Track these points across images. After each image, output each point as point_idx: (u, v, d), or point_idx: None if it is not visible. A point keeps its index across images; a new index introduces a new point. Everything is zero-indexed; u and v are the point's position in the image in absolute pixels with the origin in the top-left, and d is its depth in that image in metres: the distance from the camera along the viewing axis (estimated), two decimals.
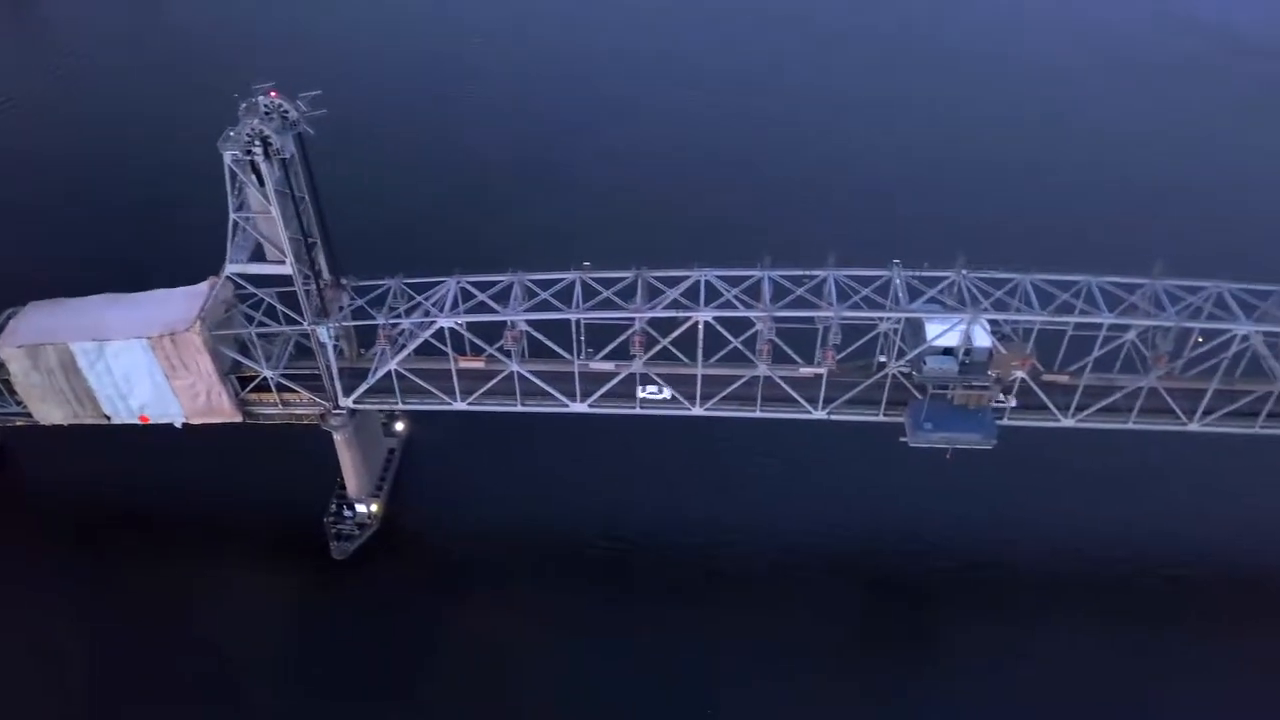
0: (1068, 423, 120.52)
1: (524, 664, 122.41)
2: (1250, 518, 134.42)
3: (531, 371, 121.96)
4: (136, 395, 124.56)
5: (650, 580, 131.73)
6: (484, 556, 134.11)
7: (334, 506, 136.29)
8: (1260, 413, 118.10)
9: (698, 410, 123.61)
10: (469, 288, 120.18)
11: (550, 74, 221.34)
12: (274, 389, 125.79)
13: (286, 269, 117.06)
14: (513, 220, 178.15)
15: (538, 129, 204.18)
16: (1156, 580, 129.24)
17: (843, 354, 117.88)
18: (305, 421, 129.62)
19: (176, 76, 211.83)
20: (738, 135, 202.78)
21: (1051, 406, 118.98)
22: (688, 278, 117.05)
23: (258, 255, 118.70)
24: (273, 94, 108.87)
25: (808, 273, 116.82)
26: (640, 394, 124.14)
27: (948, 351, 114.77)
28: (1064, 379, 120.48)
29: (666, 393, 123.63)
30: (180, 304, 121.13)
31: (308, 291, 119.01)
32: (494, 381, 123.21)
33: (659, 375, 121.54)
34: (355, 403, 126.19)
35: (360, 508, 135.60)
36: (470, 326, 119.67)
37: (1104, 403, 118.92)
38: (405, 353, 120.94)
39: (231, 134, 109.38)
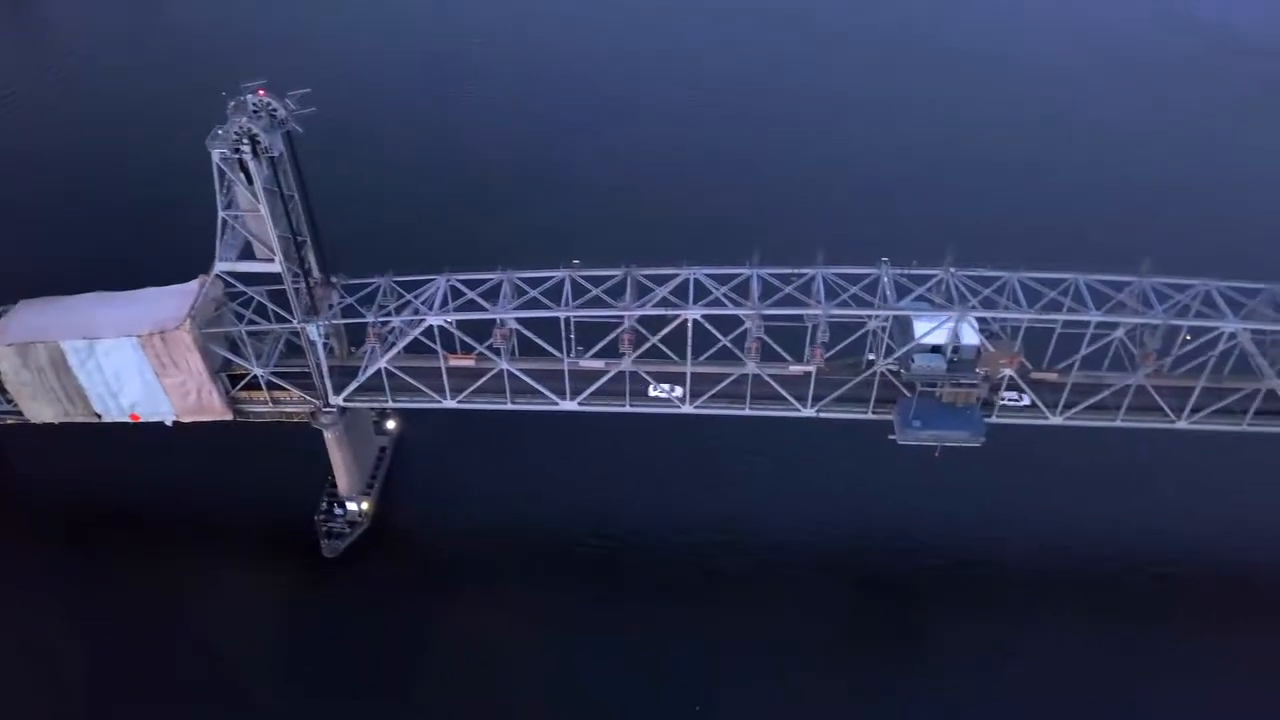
0: (1056, 420, 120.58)
1: (514, 661, 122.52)
2: (1238, 515, 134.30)
3: (521, 369, 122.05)
4: (127, 393, 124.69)
5: (640, 578, 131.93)
6: (475, 554, 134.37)
7: (325, 504, 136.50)
8: (1248, 410, 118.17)
9: (687, 408, 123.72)
10: (459, 286, 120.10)
11: (546, 73, 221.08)
12: (264, 387, 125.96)
13: (275, 267, 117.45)
14: (507, 220, 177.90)
15: (533, 128, 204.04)
16: (1145, 578, 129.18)
17: (831, 352, 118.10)
18: (296, 419, 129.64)
19: (172, 76, 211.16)
20: (733, 135, 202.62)
21: (1040, 404, 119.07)
22: (677, 276, 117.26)
23: (247, 253, 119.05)
24: (261, 92, 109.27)
25: (796, 271, 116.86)
26: (653, 393, 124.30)
27: (936, 349, 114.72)
28: (1053, 377, 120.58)
29: (679, 392, 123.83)
30: (170, 302, 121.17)
31: (297, 290, 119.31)
32: (484, 379, 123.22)
33: (649, 373, 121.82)
34: (345, 401, 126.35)
35: (351, 505, 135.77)
36: (460, 324, 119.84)
37: (1092, 400, 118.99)
38: (395, 351, 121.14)
39: (219, 132, 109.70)
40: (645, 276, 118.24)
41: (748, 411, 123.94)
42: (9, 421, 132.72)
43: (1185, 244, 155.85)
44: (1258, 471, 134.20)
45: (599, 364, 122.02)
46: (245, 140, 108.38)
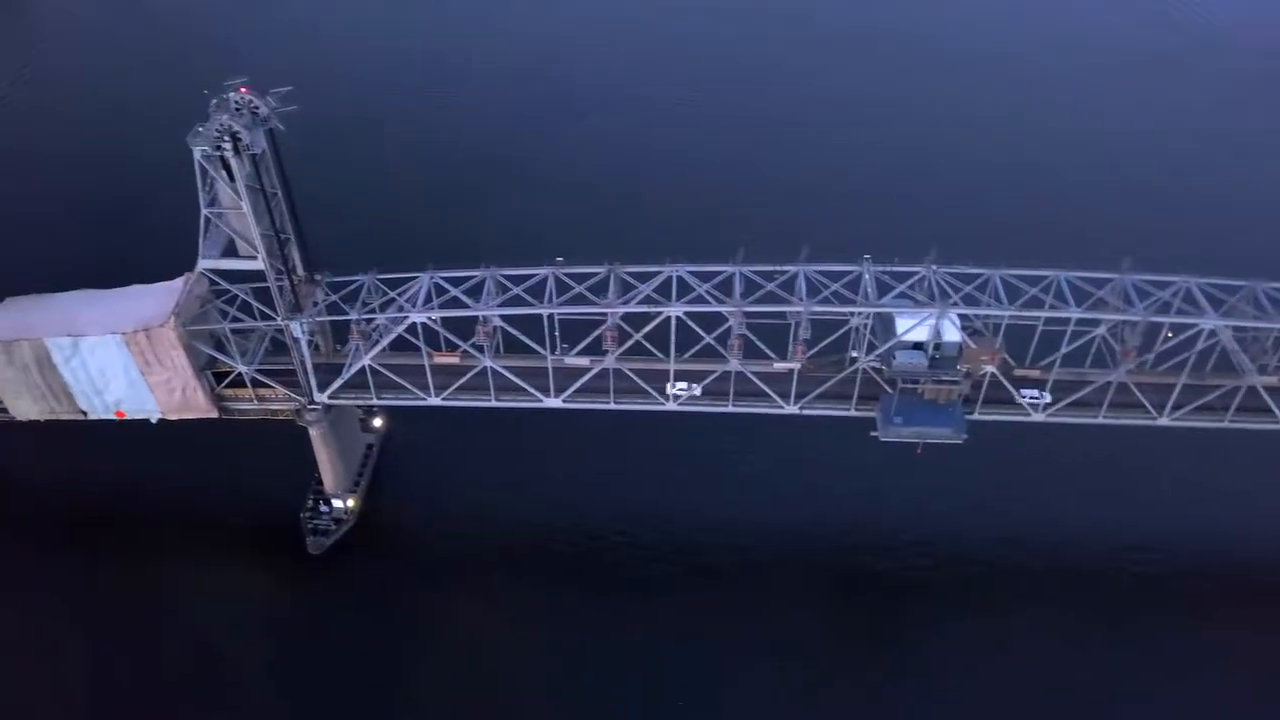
0: (1038, 417, 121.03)
1: (499, 658, 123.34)
2: (1222, 511, 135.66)
3: (505, 367, 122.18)
4: (112, 391, 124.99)
5: (627, 576, 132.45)
6: (462, 552, 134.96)
7: (311, 502, 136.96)
8: (1229, 407, 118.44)
9: (671, 405, 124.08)
10: (442, 283, 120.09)
11: (531, 71, 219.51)
12: (249, 384, 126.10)
13: (259, 264, 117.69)
14: (491, 217, 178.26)
15: (517, 125, 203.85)
16: (1135, 576, 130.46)
17: (815, 349, 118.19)
18: (281, 417, 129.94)
19: (157, 72, 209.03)
20: (718, 132, 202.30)
21: (1022, 401, 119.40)
22: (660, 273, 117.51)
23: (231, 251, 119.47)
24: (243, 90, 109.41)
25: (779, 268, 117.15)
26: (670, 390, 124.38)
27: (917, 346, 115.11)
28: (1035, 374, 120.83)
29: (696, 390, 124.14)
30: (155, 300, 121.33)
31: (281, 287, 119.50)
32: (467, 377, 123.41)
33: (632, 371, 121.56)
34: (330, 398, 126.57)
35: (337, 503, 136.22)
36: (445, 322, 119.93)
37: (1074, 397, 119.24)
38: (378, 348, 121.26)
39: (201, 130, 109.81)
40: (629, 274, 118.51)
41: (731, 408, 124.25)
42: None
43: (1166, 241, 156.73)
44: (1239, 468, 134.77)
45: (583, 361, 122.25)
46: (227, 138, 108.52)
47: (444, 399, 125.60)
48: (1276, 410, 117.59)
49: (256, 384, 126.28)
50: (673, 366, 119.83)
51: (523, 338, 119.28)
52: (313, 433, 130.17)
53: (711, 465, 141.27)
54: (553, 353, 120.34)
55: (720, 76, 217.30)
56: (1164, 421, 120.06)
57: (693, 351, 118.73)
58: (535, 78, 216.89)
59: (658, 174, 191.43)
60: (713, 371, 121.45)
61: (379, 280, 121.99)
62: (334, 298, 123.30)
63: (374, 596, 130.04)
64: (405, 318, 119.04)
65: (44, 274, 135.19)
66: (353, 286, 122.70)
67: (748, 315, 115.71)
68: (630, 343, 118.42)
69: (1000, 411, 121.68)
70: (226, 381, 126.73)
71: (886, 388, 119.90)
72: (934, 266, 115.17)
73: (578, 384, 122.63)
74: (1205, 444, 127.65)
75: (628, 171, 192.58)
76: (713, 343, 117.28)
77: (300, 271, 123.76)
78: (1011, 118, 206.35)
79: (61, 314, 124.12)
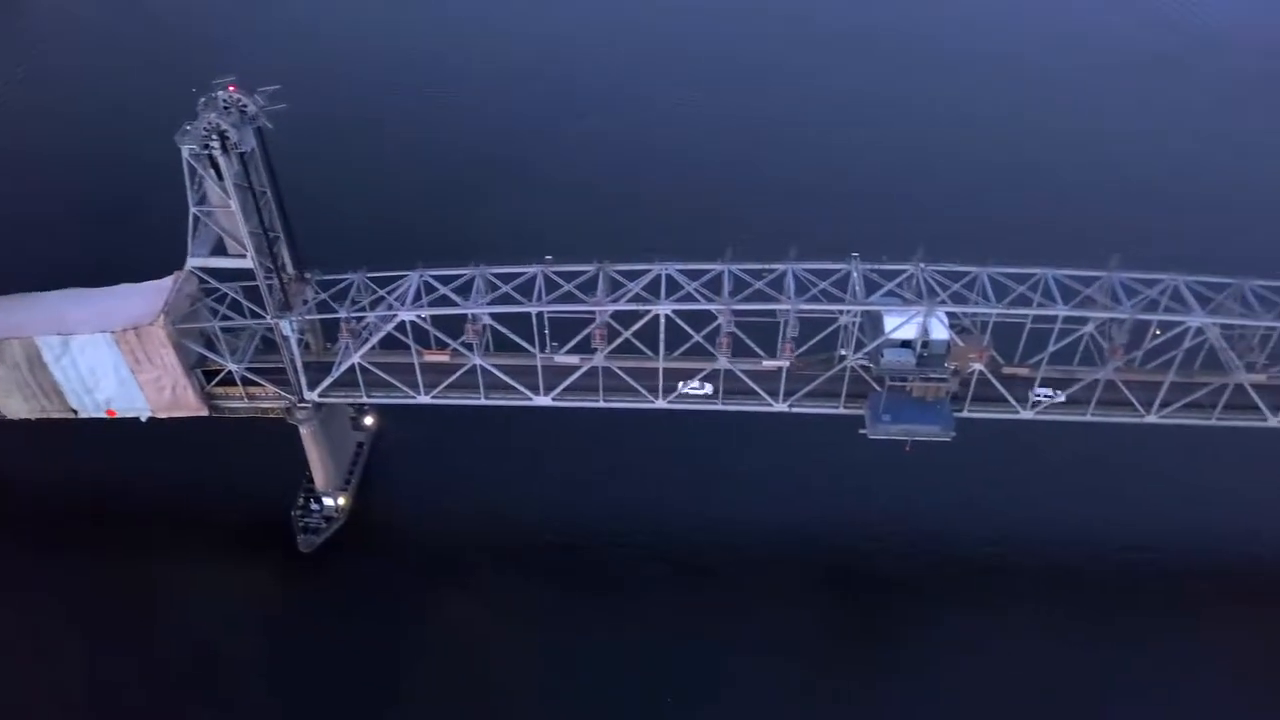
0: (1027, 415, 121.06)
1: (490, 657, 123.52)
2: (1210, 509, 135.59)
3: (495, 365, 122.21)
4: (102, 389, 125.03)
5: (620, 574, 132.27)
6: (453, 550, 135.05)
7: (301, 500, 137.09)
8: (1217, 404, 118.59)
9: (661, 403, 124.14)
10: (432, 281, 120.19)
11: (519, 69, 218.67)
12: (239, 383, 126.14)
13: (248, 263, 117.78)
14: (481, 215, 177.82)
15: (506, 124, 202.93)
16: (1124, 573, 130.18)
17: (804, 347, 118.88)
18: (271, 415, 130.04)
19: (146, 70, 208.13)
20: (706, 131, 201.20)
21: (1010, 399, 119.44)
22: (649, 271, 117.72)
23: (220, 249, 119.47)
24: (231, 88, 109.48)
25: (767, 266, 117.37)
26: (682, 389, 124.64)
27: (905, 344, 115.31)
28: (1024, 372, 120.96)
29: (708, 388, 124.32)
30: (144, 298, 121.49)
31: (270, 285, 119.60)
32: (457, 375, 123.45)
33: (621, 369, 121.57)
34: (320, 396, 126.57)
35: (328, 501, 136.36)
36: (435, 320, 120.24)
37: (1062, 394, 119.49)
38: (368, 346, 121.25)
39: (189, 128, 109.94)
40: (618, 272, 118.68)
41: (720, 406, 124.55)
42: None
43: (1166, 241, 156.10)
44: (1227, 465, 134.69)
45: (573, 359, 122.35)
46: (214, 136, 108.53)
47: (434, 397, 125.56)
48: (1264, 407, 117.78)
49: (247, 382, 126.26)
50: (661, 365, 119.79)
51: (512, 336, 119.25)
52: (303, 431, 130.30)
53: (701, 463, 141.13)
54: (542, 351, 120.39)
55: (720, 76, 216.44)
56: (1152, 419, 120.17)
57: (682, 350, 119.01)
58: (535, 78, 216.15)
59: (657, 174, 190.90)
60: (702, 369, 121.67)
61: (369, 278, 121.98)
62: (324, 296, 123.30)
63: (365, 594, 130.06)
64: (394, 315, 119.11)
65: (33, 273, 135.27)
66: (343, 285, 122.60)
67: (736, 313, 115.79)
68: (619, 341, 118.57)
69: (988, 409, 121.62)
70: (217, 380, 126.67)
71: (875, 385, 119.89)
72: (922, 264, 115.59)
73: (567, 382, 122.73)
74: (1193, 441, 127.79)
75: (627, 171, 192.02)
76: (702, 341, 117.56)
77: (290, 270, 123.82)
78: (1011, 118, 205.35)
79: (51, 312, 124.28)
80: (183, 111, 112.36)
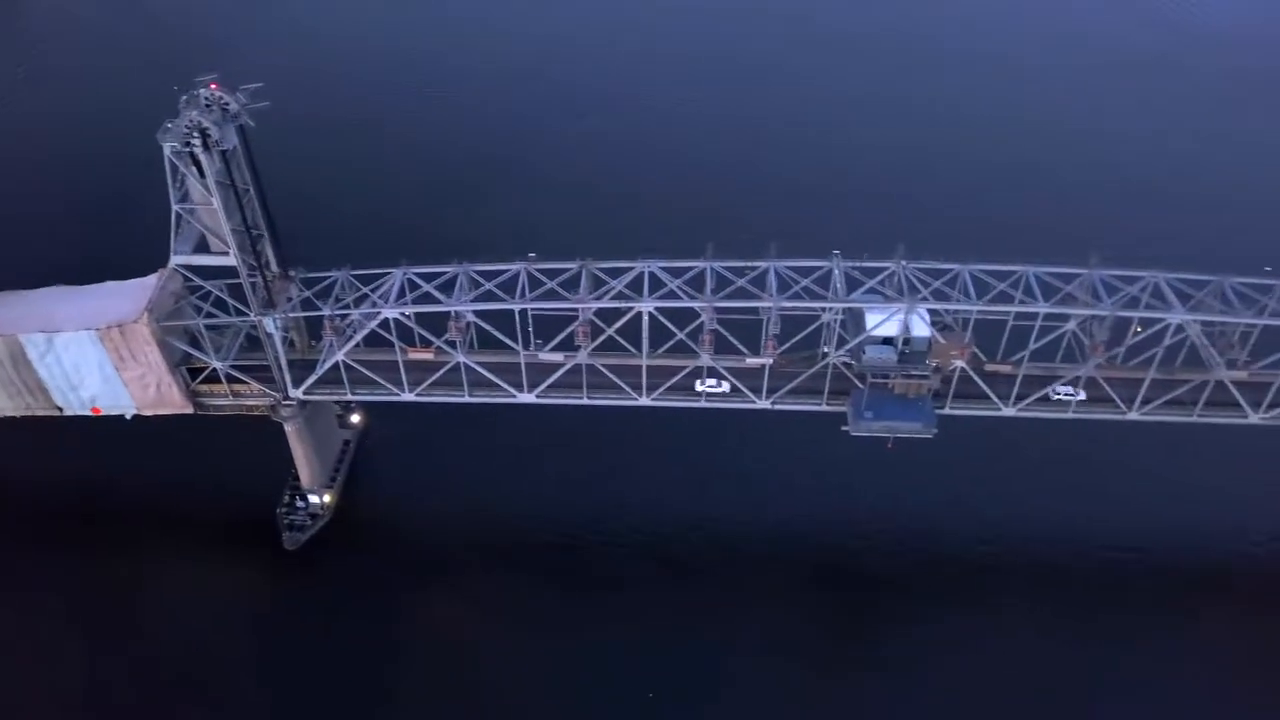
0: (1009, 412, 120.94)
1: (475, 654, 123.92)
2: (1195, 505, 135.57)
3: (478, 362, 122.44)
4: (87, 387, 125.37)
5: (606, 572, 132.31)
6: (438, 548, 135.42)
7: (287, 497, 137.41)
8: (1198, 401, 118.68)
9: (644, 400, 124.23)
10: (415, 279, 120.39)
11: (504, 68, 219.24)
12: (224, 380, 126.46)
13: (231, 260, 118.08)
14: (465, 213, 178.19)
15: (490, 123, 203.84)
16: (1107, 570, 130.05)
17: (786, 345, 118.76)
18: (256, 412, 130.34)
19: (133, 69, 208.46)
20: (690, 129, 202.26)
21: (992, 395, 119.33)
22: (632, 269, 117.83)
23: (204, 247, 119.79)
24: (213, 86, 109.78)
25: (749, 264, 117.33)
26: (700, 387, 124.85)
27: (887, 341, 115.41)
28: (1006, 369, 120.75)
29: (725, 386, 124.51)
30: (128, 296, 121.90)
31: (254, 283, 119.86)
32: (441, 372, 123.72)
33: (604, 366, 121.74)
34: (305, 394, 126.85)
35: (313, 498, 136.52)
36: (418, 318, 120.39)
37: (1044, 391, 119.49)
38: (351, 344, 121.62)
39: (170, 126, 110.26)
40: (601, 269, 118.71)
41: (704, 403, 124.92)
42: None
43: (1166, 241, 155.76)
44: (1208, 462, 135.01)
45: (556, 357, 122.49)
46: (196, 134, 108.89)
47: (418, 394, 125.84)
48: (1244, 404, 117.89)
49: (231, 380, 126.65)
50: (645, 362, 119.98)
51: (496, 333, 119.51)
52: (288, 428, 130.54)
53: (684, 460, 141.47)
54: (525, 348, 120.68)
55: (720, 76, 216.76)
56: (1133, 416, 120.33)
57: (665, 347, 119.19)
58: (535, 78, 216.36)
59: (657, 174, 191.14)
60: (684, 367, 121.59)
61: (352, 276, 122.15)
62: (308, 294, 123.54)
63: (350, 592, 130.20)
64: (378, 313, 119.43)
65: (18, 271, 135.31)
66: (327, 282, 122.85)
67: (719, 310, 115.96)
68: (603, 338, 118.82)
69: (970, 406, 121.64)
70: (201, 377, 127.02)
71: (857, 383, 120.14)
72: (903, 262, 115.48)
73: (550, 379, 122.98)
74: (1174, 438, 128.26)
75: (627, 171, 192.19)
76: (684, 338, 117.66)
77: (274, 267, 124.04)
78: (1011, 118, 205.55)
79: (36, 310, 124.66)
80: (176, 110, 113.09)
